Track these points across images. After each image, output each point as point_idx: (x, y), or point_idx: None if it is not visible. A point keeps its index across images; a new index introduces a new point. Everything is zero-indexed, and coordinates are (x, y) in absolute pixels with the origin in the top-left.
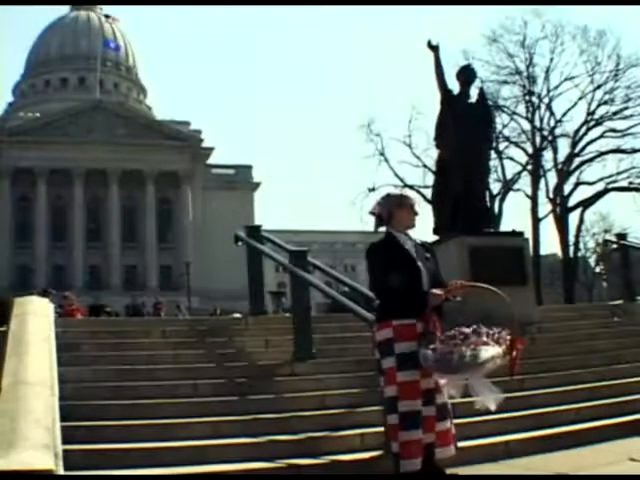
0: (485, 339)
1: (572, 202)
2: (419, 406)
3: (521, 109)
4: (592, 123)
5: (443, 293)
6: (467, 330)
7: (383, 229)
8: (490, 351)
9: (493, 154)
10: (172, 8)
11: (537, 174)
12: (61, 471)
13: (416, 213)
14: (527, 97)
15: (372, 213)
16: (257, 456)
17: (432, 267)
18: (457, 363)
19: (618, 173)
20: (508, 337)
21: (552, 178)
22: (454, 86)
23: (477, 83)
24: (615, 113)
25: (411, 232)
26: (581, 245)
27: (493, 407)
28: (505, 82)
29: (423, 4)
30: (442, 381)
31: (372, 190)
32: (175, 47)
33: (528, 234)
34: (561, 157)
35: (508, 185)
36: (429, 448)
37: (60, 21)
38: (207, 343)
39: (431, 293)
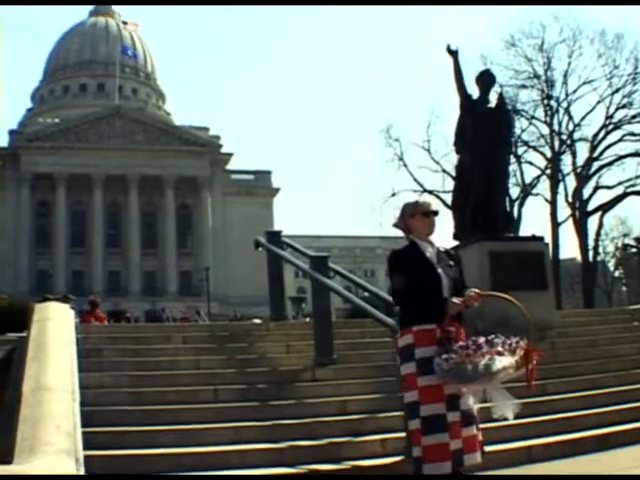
0: (500, 349)
1: (591, 206)
2: (443, 410)
3: (540, 113)
4: (611, 127)
5: (460, 302)
6: (480, 340)
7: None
8: (503, 362)
9: (512, 158)
10: (191, 14)
11: (556, 178)
12: None
13: (430, 219)
14: (545, 101)
15: (395, 226)
16: (278, 462)
17: (454, 274)
18: (469, 373)
19: (637, 177)
20: (525, 346)
21: (571, 182)
22: (473, 91)
23: (496, 88)
24: (634, 117)
25: (434, 238)
26: (600, 249)
27: (511, 415)
28: (523, 86)
29: (441, 4)
30: (463, 389)
31: (393, 195)
32: (194, 53)
33: (547, 238)
34: (580, 161)
35: (527, 189)
36: (457, 455)
37: (79, 27)
38: (228, 348)
39: (449, 301)
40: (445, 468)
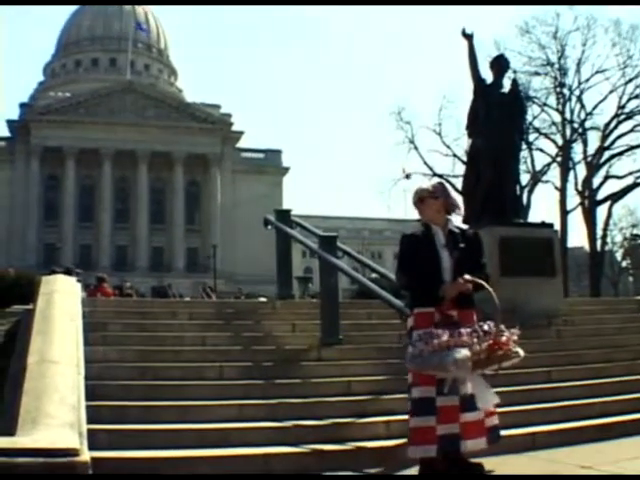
0: (465, 339)
1: (601, 195)
2: (433, 393)
3: (552, 101)
4: (623, 117)
5: (454, 286)
6: (438, 330)
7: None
8: (463, 352)
9: (523, 145)
10: None
11: (566, 166)
12: (85, 450)
13: (418, 206)
14: (558, 89)
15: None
16: (281, 441)
17: (463, 256)
18: (425, 362)
19: None
20: (494, 337)
21: (581, 171)
22: (487, 75)
23: (509, 73)
24: None
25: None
26: (608, 239)
27: (490, 406)
28: (536, 73)
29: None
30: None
31: (407, 177)
32: (207, 30)
33: (556, 226)
34: (591, 150)
35: (537, 176)
36: (447, 439)
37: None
38: (234, 326)
39: (444, 285)
40: (429, 452)
